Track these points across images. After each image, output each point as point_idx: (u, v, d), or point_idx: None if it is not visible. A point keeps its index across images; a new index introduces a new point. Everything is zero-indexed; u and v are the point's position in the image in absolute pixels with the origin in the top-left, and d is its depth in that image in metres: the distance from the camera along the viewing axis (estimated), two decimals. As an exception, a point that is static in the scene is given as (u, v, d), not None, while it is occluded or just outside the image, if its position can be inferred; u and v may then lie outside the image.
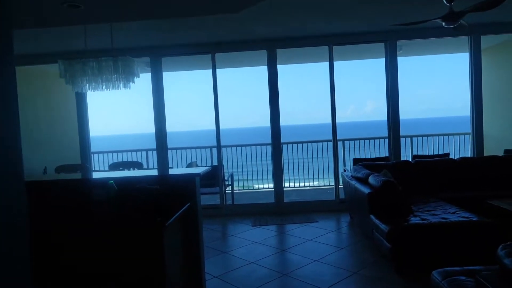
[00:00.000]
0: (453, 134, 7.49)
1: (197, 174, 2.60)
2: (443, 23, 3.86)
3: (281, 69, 5.87)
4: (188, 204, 2.52)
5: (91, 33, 4.48)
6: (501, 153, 5.26)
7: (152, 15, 3.41)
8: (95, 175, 4.35)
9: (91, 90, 4.16)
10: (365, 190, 3.95)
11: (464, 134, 7.25)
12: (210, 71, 5.77)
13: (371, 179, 4.03)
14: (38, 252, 2.10)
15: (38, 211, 2.33)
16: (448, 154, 5.73)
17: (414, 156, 5.74)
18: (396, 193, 3.59)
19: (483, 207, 4.14)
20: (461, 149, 7.40)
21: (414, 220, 3.42)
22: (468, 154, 6.94)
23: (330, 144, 7.45)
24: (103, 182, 2.44)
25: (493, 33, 5.49)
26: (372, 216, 3.71)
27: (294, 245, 4.25)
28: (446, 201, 4.20)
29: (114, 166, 5.09)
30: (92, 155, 6.48)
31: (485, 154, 5.59)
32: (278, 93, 5.73)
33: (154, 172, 3.00)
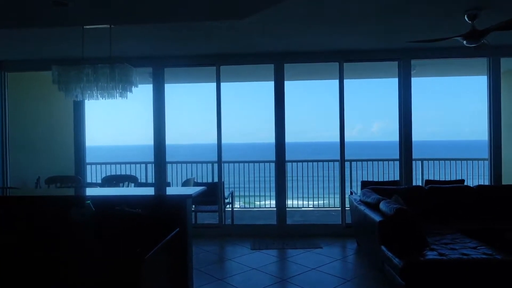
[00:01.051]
0: (468, 159, 7.13)
1: (189, 196, 2.30)
2: (464, 42, 3.60)
3: (288, 85, 5.60)
4: (177, 229, 2.21)
5: (91, 40, 4.27)
6: (521, 182, 4.91)
7: (149, 19, 3.17)
8: (87, 188, 4.06)
9: (85, 99, 3.92)
10: (376, 217, 3.62)
11: (479, 159, 6.91)
12: (214, 84, 5.53)
13: (382, 206, 3.70)
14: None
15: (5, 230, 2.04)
16: (463, 181, 5.38)
17: (426, 181, 5.40)
18: (411, 223, 3.26)
19: (503, 240, 3.79)
20: (474, 175, 7.03)
21: (431, 254, 3.06)
22: (484, 181, 6.58)
23: (336, 164, 7.14)
24: (80, 201, 2.15)
25: (513, 55, 5.22)
26: (383, 247, 3.36)
27: (295, 275, 3.90)
28: (463, 232, 3.84)
29: (107, 180, 4.81)
30: (87, 166, 6.21)
31: (503, 182, 5.23)
32: (284, 109, 5.45)
33: (141, 192, 2.71)
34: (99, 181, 6.29)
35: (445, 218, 4.37)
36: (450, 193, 4.63)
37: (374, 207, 3.95)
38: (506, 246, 3.54)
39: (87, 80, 3.79)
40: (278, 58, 5.36)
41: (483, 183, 6.25)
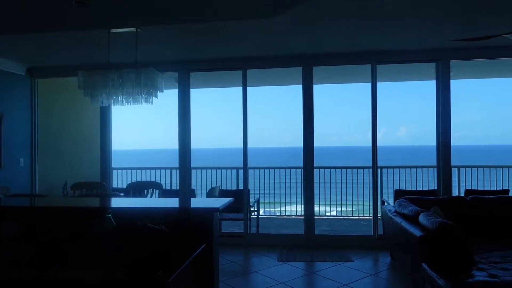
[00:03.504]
0: (510, 167, 6.64)
1: (216, 209, 2.14)
2: (516, 39, 3.27)
3: (316, 88, 5.39)
4: (203, 245, 2.04)
5: (117, 46, 4.22)
6: None
7: (176, 20, 3.04)
8: (111, 198, 3.98)
9: (110, 104, 3.86)
10: (415, 231, 3.33)
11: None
12: (240, 88, 5.38)
13: (422, 219, 3.41)
14: None
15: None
16: (507, 191, 4.98)
17: (467, 191, 5.02)
18: (457, 240, 2.96)
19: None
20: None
21: (480, 275, 2.76)
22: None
23: (366, 170, 6.82)
24: (101, 213, 2.02)
25: None
26: (424, 265, 3.08)
27: (326, 291, 3.66)
28: (513, 249, 3.49)
29: (132, 186, 4.74)
30: (113, 171, 6.20)
31: (553, 193, 4.79)
32: (313, 115, 5.23)
33: (165, 203, 2.57)
34: (124, 186, 6.27)
35: (491, 232, 4.01)
36: (495, 205, 4.25)
37: (412, 219, 3.66)
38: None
39: (112, 85, 3.73)
40: (307, 61, 5.15)
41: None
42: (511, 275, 2.77)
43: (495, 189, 6.09)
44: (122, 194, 4.43)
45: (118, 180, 6.99)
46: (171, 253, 1.78)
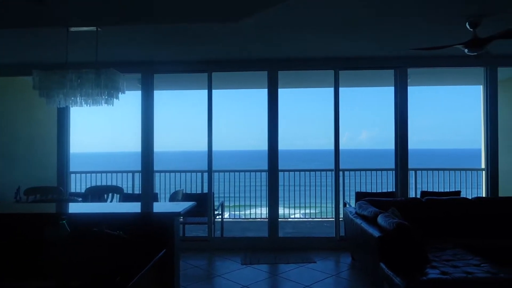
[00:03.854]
0: (463, 169, 7.03)
1: (177, 214, 2.11)
2: (466, 50, 3.50)
3: (281, 92, 5.45)
4: (164, 251, 2.00)
5: (77, 45, 4.06)
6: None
7: (137, 20, 2.98)
8: (67, 203, 3.82)
9: (68, 105, 3.70)
10: (374, 232, 3.45)
11: (474, 169, 6.82)
12: (206, 91, 5.35)
13: (380, 220, 3.54)
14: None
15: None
16: (459, 192, 5.27)
17: (422, 193, 5.27)
18: (412, 240, 3.09)
19: (503, 256, 3.66)
20: (468, 186, 6.93)
21: (433, 273, 2.90)
22: (479, 191, 6.50)
23: (330, 173, 6.99)
24: (55, 220, 1.93)
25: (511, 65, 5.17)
26: (382, 265, 3.19)
27: (289, 293, 3.70)
28: (463, 248, 3.70)
29: (91, 191, 4.56)
30: (71, 175, 5.94)
31: (500, 193, 5.13)
32: (278, 118, 5.29)
33: (125, 208, 2.50)
34: (83, 190, 6.03)
35: (443, 231, 4.23)
36: (448, 206, 4.49)
37: (371, 221, 3.78)
38: (505, 262, 3.40)
39: (70, 86, 3.59)
40: (272, 65, 5.21)
41: (478, 194, 6.20)
42: (460, 272, 2.92)
43: (448, 190, 6.46)
44: (80, 199, 4.26)
45: (77, 185, 6.71)
46: (129, 259, 1.73)
